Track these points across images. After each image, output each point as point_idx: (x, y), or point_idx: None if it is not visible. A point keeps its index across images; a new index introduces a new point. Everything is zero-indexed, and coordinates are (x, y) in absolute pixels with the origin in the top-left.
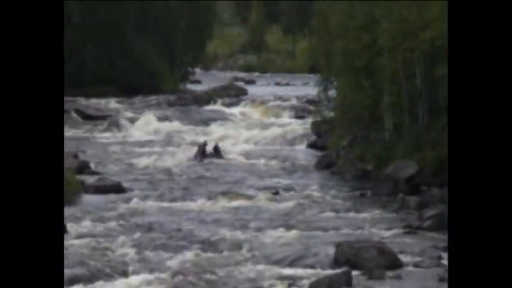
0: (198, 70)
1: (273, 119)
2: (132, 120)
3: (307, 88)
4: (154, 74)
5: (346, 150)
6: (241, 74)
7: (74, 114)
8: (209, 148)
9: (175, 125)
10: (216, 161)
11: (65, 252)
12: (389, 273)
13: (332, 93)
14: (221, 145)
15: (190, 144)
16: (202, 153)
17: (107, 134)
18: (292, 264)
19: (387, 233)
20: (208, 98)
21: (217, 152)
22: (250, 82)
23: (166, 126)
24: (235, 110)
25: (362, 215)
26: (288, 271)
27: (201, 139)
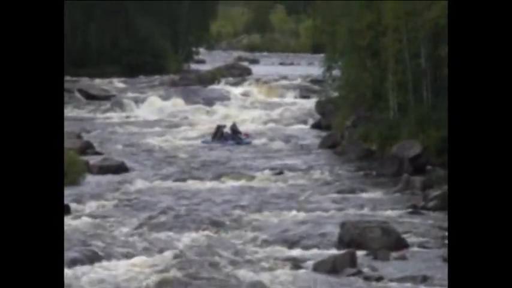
0: (202, 50)
1: (277, 99)
2: (136, 100)
3: (311, 68)
4: (158, 54)
5: (351, 130)
6: (245, 54)
7: (78, 94)
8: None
9: (179, 104)
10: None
11: (69, 232)
12: (394, 254)
13: (336, 72)
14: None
15: (194, 124)
16: (221, 135)
17: (110, 114)
18: (296, 244)
19: (392, 213)
20: (212, 77)
21: (235, 133)
22: (254, 62)
23: (170, 106)
24: (239, 90)
25: (366, 195)
26: (292, 251)
27: (205, 119)
